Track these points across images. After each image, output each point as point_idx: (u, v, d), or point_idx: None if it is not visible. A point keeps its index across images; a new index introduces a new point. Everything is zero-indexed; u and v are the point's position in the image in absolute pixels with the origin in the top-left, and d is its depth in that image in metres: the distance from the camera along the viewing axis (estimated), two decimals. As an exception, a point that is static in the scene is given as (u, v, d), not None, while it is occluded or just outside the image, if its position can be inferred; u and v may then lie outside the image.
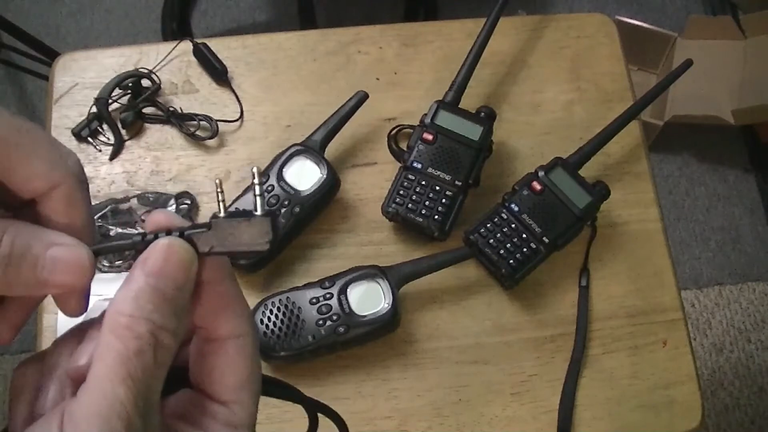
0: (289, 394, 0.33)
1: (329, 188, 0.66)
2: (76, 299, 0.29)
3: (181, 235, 0.27)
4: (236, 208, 0.65)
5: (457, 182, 0.66)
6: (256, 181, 0.28)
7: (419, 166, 0.67)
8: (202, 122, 0.72)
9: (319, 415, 0.35)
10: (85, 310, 0.30)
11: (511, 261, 0.64)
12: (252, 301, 0.63)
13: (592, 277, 0.69)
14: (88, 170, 0.71)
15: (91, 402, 0.24)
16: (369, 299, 0.62)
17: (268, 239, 0.27)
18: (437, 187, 0.66)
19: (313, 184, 0.65)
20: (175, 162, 0.72)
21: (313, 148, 0.67)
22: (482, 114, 0.69)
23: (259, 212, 0.27)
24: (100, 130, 0.72)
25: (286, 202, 0.64)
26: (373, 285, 0.62)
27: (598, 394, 0.65)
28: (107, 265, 0.65)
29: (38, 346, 0.64)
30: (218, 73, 0.74)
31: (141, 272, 0.26)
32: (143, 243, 0.27)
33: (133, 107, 0.72)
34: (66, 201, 0.28)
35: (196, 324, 0.29)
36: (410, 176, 0.67)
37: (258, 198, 0.28)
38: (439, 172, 0.66)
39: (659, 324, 0.68)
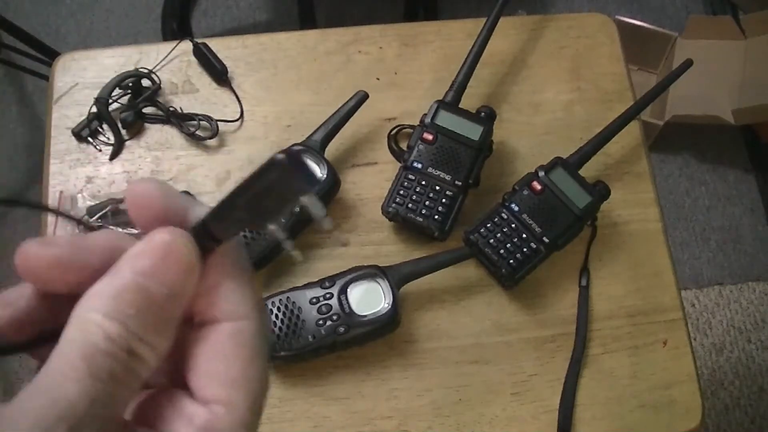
0: None
1: (329, 188, 0.66)
2: None
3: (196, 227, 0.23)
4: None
5: (457, 182, 0.66)
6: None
7: (419, 166, 0.67)
8: (202, 122, 0.72)
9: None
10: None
11: (511, 261, 0.64)
12: (252, 301, 0.63)
13: (592, 277, 0.69)
14: (88, 170, 0.71)
15: (29, 400, 0.19)
16: (369, 299, 0.62)
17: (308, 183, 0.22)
18: (437, 187, 0.66)
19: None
20: (175, 162, 0.72)
21: (313, 148, 0.67)
22: (482, 114, 0.69)
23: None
24: (100, 130, 0.72)
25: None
26: (373, 285, 0.62)
27: (598, 394, 0.65)
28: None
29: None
30: (218, 73, 0.74)
31: (129, 267, 0.22)
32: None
33: (133, 107, 0.72)
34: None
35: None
36: (410, 176, 0.67)
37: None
38: (439, 172, 0.66)
39: (659, 324, 0.68)
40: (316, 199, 0.22)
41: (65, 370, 0.20)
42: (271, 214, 0.22)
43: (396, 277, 0.62)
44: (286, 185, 0.21)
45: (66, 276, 0.23)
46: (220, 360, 0.23)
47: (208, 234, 0.23)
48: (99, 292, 0.21)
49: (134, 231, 0.66)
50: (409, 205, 0.66)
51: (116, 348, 0.20)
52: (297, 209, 0.22)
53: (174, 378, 0.24)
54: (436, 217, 0.66)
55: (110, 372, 0.20)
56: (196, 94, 0.74)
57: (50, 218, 0.68)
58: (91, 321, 0.21)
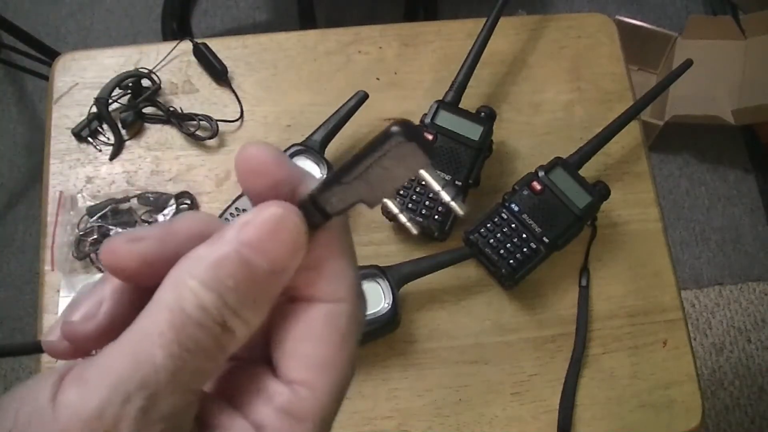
0: None
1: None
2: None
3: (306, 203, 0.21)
4: (231, 213, 0.65)
5: (457, 182, 0.66)
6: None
7: (419, 166, 0.66)
8: (202, 122, 0.72)
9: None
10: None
11: (511, 261, 0.64)
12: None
13: (592, 277, 0.69)
14: (88, 170, 0.71)
15: (113, 359, 0.19)
16: (369, 299, 0.61)
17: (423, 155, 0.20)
18: (437, 187, 0.66)
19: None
20: (175, 162, 0.72)
21: (313, 148, 0.67)
22: (482, 114, 0.69)
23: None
24: (100, 130, 0.72)
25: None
26: (373, 285, 0.62)
27: (598, 394, 0.65)
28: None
29: (38, 346, 0.64)
30: (218, 73, 0.74)
31: (235, 236, 0.20)
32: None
33: (133, 107, 0.72)
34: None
35: None
36: (410, 176, 0.67)
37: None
38: (439, 172, 0.66)
39: (659, 324, 0.68)
40: (434, 172, 0.21)
41: (152, 336, 0.19)
42: (385, 189, 0.21)
43: (396, 277, 0.62)
44: (402, 158, 0.20)
45: (156, 270, 0.21)
46: (310, 341, 0.22)
47: (317, 208, 0.22)
48: (199, 256, 0.20)
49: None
50: (409, 205, 0.66)
51: (209, 319, 0.19)
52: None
53: (257, 349, 0.23)
54: (436, 217, 0.66)
55: (198, 344, 0.19)
56: (196, 94, 0.74)
57: (50, 218, 0.68)
58: (187, 286, 0.19)
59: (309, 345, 0.22)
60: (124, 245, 0.21)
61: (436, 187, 0.21)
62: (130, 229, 0.20)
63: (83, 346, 0.22)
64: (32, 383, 0.19)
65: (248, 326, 0.20)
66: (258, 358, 0.23)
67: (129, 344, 0.19)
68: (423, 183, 0.66)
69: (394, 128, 0.20)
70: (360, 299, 0.23)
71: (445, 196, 0.22)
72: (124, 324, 0.20)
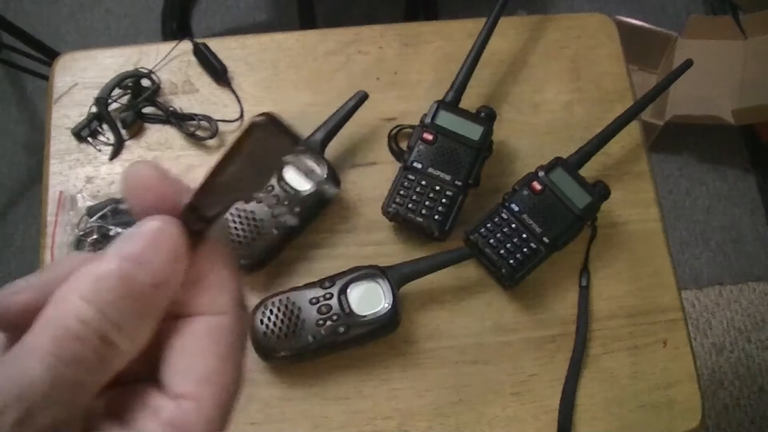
0: None
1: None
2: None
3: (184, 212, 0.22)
4: (231, 213, 0.65)
5: (457, 182, 0.66)
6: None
7: (419, 166, 0.67)
8: (202, 122, 0.72)
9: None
10: None
11: (511, 261, 0.64)
12: (252, 301, 0.63)
13: (592, 277, 0.69)
14: (88, 170, 0.71)
15: None
16: (369, 299, 0.61)
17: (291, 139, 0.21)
18: (437, 187, 0.66)
19: (313, 184, 0.65)
20: (175, 162, 0.71)
21: (313, 148, 0.67)
22: (482, 114, 0.69)
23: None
24: (100, 130, 0.72)
25: (286, 202, 0.64)
26: (373, 285, 0.62)
27: (598, 394, 0.65)
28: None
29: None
30: (218, 73, 0.74)
31: (115, 252, 0.21)
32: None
33: (133, 107, 0.72)
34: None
35: None
36: (410, 176, 0.67)
37: None
38: (439, 172, 0.66)
39: (659, 324, 0.68)
40: (302, 157, 0.22)
41: (31, 349, 0.19)
42: (257, 181, 0.22)
43: (396, 277, 0.62)
44: (265, 149, 0.21)
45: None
46: (193, 355, 0.22)
47: (197, 215, 0.22)
48: (83, 273, 0.21)
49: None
50: (409, 205, 0.66)
51: (89, 333, 0.20)
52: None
53: (146, 369, 0.23)
54: (436, 217, 0.66)
55: (77, 357, 0.19)
56: (196, 94, 0.74)
57: (50, 218, 0.68)
58: (68, 301, 0.20)
59: (192, 358, 0.22)
60: (5, 299, 0.22)
61: (300, 174, 0.23)
62: (12, 282, 0.21)
63: None
64: None
65: (132, 340, 0.21)
66: (147, 377, 0.23)
67: (10, 358, 0.19)
68: (423, 183, 0.66)
69: (256, 119, 0.20)
70: (242, 311, 0.23)
71: (309, 183, 0.23)
72: None
